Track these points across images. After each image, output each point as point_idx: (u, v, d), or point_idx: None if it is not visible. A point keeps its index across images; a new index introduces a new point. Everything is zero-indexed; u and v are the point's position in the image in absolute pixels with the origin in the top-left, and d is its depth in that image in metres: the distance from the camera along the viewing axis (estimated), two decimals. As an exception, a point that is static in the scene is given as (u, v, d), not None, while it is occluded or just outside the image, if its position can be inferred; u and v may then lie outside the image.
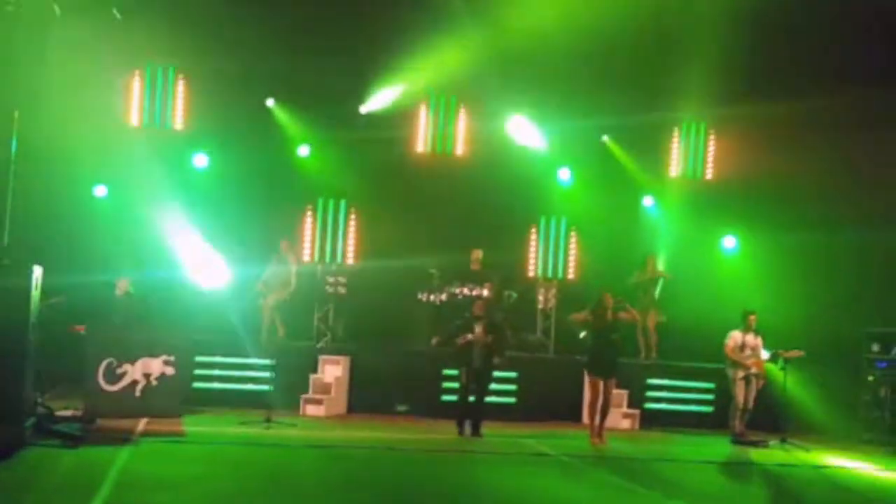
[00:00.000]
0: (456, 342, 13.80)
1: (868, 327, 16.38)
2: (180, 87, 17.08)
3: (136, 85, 16.98)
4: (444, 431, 13.73)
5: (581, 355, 16.26)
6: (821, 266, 17.07)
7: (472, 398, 13.65)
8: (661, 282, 17.47)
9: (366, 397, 15.56)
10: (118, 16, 12.56)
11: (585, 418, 14.60)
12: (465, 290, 16.60)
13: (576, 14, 15.87)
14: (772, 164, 17.28)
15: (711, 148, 18.78)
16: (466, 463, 12.13)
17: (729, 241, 18.91)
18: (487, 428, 13.73)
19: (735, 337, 14.94)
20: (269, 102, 17.57)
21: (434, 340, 14.08)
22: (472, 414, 13.67)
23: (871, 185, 16.96)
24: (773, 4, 15.63)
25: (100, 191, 17.19)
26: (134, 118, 17.02)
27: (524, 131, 18.32)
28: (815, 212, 17.19)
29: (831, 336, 16.16)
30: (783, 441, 14.62)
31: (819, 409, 16.53)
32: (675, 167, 18.82)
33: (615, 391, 14.44)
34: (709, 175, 18.78)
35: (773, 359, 14.91)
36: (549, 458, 12.59)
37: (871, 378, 16.16)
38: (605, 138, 18.71)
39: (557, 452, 12.90)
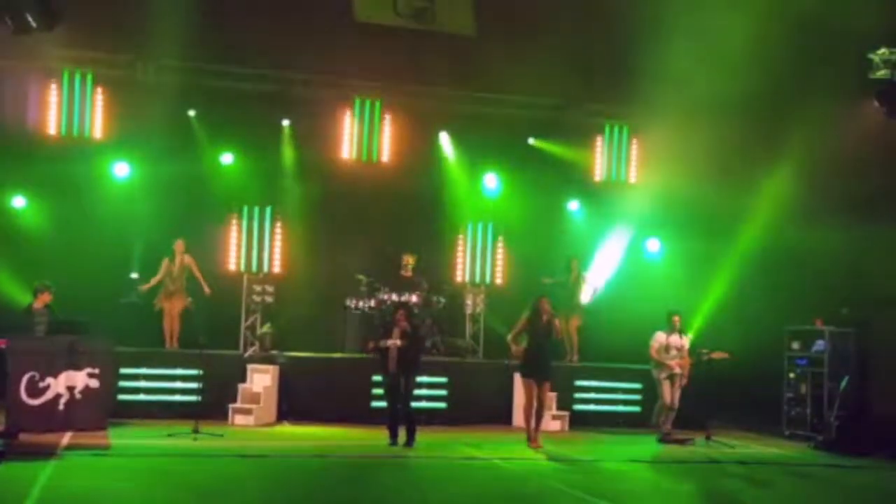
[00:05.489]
0: (378, 348, 13.72)
1: (789, 325, 16.76)
2: (99, 95, 16.76)
3: (53, 93, 16.63)
4: (375, 438, 13.66)
5: (510, 359, 16.42)
6: (742, 266, 17.40)
7: (399, 405, 13.59)
8: (583, 286, 17.60)
9: (295, 406, 15.44)
10: (33, 23, 12.25)
11: (521, 422, 14.63)
12: (394, 297, 16.57)
13: (493, 19, 16.02)
14: (693, 166, 17.57)
15: (634, 152, 19.02)
16: (398, 470, 12.10)
17: (653, 244, 19.19)
18: (418, 433, 13.63)
19: (659, 338, 15.16)
20: (191, 112, 17.27)
21: (370, 345, 13.95)
22: (401, 422, 13.60)
23: (791, 185, 17.36)
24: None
25: (18, 201, 16.79)
26: (51, 127, 16.65)
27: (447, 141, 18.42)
28: (736, 214, 17.56)
29: (754, 334, 16.52)
30: (708, 439, 14.88)
31: (743, 406, 16.90)
32: (599, 171, 19.01)
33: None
34: (632, 179, 19.03)
35: (698, 359, 15.15)
36: (482, 463, 12.63)
37: (792, 375, 16.54)
38: (532, 140, 18.78)
39: (490, 456, 12.95)
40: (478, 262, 17.72)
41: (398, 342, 13.37)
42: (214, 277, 16.57)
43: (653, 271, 18.86)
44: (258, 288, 16.53)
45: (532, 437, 13.85)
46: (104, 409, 13.48)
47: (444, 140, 18.46)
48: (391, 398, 13.58)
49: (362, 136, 17.84)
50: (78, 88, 16.69)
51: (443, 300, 17.27)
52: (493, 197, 18.76)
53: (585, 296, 17.35)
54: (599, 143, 18.96)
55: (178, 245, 16.06)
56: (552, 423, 15.61)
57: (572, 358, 17.29)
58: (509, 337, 14.27)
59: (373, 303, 16.78)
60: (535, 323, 13.98)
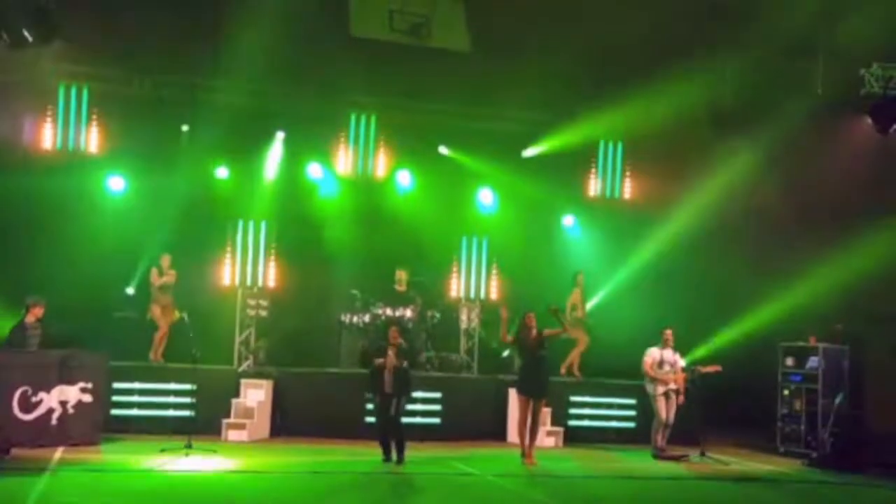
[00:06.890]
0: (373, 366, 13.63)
1: (783, 342, 16.75)
2: (94, 109, 16.74)
3: (50, 107, 16.62)
4: (368, 454, 13.61)
5: (504, 374, 16.42)
6: (736, 282, 17.39)
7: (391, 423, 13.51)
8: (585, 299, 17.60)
9: (289, 421, 15.41)
10: (29, 38, 12.29)
11: (515, 438, 14.60)
12: (389, 311, 16.55)
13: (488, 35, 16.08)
14: (686, 182, 17.62)
15: (629, 168, 19.00)
16: (391, 486, 12.07)
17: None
18: (413, 449, 13.61)
19: (653, 354, 15.14)
20: (184, 127, 17.24)
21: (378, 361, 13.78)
22: (393, 438, 13.49)
23: (782, 201, 17.40)
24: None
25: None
26: (47, 141, 16.65)
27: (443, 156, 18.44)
28: (732, 227, 17.61)
29: (748, 351, 16.50)
30: (703, 455, 14.86)
31: (737, 422, 16.88)
32: (594, 187, 19.02)
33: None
34: (626, 194, 19.04)
35: (690, 374, 15.15)
36: (476, 479, 12.60)
37: (786, 392, 16.53)
38: (526, 152, 18.75)
39: (483, 473, 12.92)
40: (472, 276, 17.70)
41: (395, 362, 13.29)
42: (209, 292, 16.55)
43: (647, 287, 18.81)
44: (252, 302, 16.48)
45: (526, 454, 13.83)
46: (97, 424, 13.46)
47: (440, 154, 18.45)
48: (383, 416, 13.52)
49: (357, 150, 17.85)
50: (73, 103, 16.69)
51: (437, 315, 17.25)
52: (488, 212, 18.76)
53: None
54: (594, 159, 18.94)
55: (164, 260, 16.01)
56: (546, 439, 15.58)
57: (571, 373, 17.26)
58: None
59: (367, 318, 16.75)
60: (524, 339, 13.99)
